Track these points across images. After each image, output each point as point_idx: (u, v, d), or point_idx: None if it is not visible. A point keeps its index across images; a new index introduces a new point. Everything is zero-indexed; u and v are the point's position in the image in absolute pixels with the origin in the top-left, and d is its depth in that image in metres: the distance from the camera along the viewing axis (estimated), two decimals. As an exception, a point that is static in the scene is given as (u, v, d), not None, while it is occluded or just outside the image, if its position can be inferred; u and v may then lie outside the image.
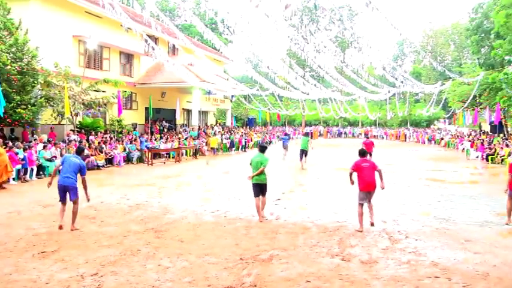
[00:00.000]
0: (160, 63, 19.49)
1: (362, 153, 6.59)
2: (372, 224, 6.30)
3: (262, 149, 6.99)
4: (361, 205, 6.30)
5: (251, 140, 24.96)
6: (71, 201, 6.06)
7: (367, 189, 6.26)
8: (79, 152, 6.41)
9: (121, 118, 17.39)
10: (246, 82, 35.25)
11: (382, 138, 39.18)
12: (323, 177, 12.25)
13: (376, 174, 6.33)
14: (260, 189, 6.82)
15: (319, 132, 42.19)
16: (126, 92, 17.25)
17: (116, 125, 17.38)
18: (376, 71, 47.08)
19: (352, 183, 6.45)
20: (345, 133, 42.27)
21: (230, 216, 7.08)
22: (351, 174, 6.42)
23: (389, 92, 27.47)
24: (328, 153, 20.15)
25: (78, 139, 13.83)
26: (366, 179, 6.25)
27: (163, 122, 22.76)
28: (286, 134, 21.46)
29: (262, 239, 5.72)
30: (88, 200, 6.16)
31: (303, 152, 14.36)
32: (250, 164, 6.83)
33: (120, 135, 17.08)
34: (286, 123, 49.29)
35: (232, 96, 29.45)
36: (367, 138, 17.13)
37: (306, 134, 16.07)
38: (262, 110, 36.07)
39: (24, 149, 10.94)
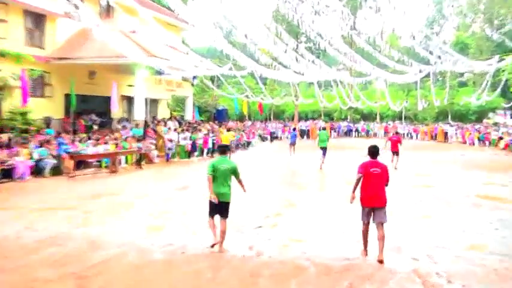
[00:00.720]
0: (88, 29, 19.09)
1: (373, 152, 6.84)
2: (381, 262, 6.46)
3: (224, 150, 7.41)
4: (367, 224, 6.72)
5: (221, 141, 24.80)
6: None
7: (370, 204, 6.64)
8: None
9: (26, 109, 17.02)
10: (213, 57, 35.10)
11: (411, 137, 39.89)
12: (324, 193, 12.32)
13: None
14: (220, 208, 7.02)
15: (319, 129, 42.40)
16: (35, 71, 16.93)
17: (19, 120, 17.06)
18: (402, 42, 47.73)
19: (354, 198, 6.83)
20: (357, 131, 42.88)
21: (190, 252, 7.01)
22: (357, 182, 6.74)
23: (420, 71, 27.79)
24: (331, 160, 20.26)
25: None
26: (371, 190, 6.61)
27: (93, 115, 22.45)
28: (294, 129, 24.58)
29: (237, 285, 5.68)
30: None
31: (322, 149, 17.18)
32: (213, 172, 7.03)
33: (26, 134, 16.72)
34: (272, 116, 49.58)
35: (194, 77, 29.23)
36: (396, 133, 20.41)
37: (323, 129, 19.94)
38: (238, 98, 36.06)
39: None
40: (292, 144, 21.92)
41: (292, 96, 40.16)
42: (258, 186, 13.10)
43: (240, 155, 22.66)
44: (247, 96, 36.25)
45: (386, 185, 6.77)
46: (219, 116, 36.83)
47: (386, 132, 40.41)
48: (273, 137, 36.27)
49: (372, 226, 6.76)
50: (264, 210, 9.93)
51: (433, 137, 37.40)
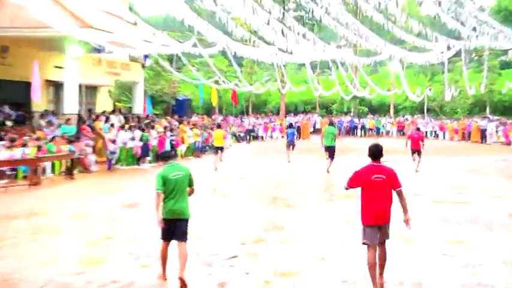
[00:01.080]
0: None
1: (375, 152, 6.89)
2: (382, 286, 6.64)
3: (169, 156, 7.74)
4: (373, 249, 6.70)
5: (182, 142, 24.71)
6: None
7: (375, 221, 6.66)
8: None
9: None
10: (171, 30, 34.94)
11: (436, 136, 40.31)
12: (320, 211, 12.36)
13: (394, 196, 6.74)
14: (178, 229, 7.09)
15: (313, 125, 42.73)
16: None
17: None
18: (423, 9, 48.07)
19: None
20: (363, 128, 43.14)
21: (139, 292, 6.94)
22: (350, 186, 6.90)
23: (449, 48, 27.96)
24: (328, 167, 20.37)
25: None
26: (376, 203, 6.63)
27: (5, 107, 22.19)
28: (290, 125, 25.57)
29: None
30: None
31: (329, 150, 18.55)
32: (163, 185, 7.13)
33: None
34: (250, 109, 49.54)
35: (146, 57, 29.07)
36: (417, 129, 21.77)
37: (331, 123, 21.33)
38: (204, 85, 35.95)
39: None
40: (291, 144, 22.86)
41: (277, 82, 40.23)
42: (233, 203, 13.07)
43: (208, 160, 22.60)
44: (216, 82, 36.16)
45: (400, 192, 6.75)
46: (180, 109, 36.70)
47: (399, 129, 40.70)
48: (252, 136, 36.29)
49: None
50: (240, 234, 9.89)
51: (466, 137, 37.59)
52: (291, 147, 22.90)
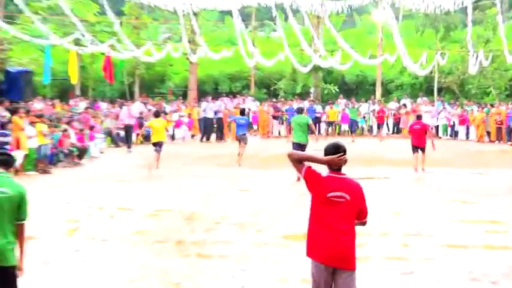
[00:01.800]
0: None
1: (335, 161, 7.01)
2: None
3: (6, 161, 7.81)
4: None
5: (18, 148, 24.40)
6: None
7: (328, 261, 6.83)
8: None
9: None
10: None
11: (454, 134, 41.70)
12: (256, 265, 12.40)
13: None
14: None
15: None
16: None
17: None
18: None
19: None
20: (329, 123, 43.59)
21: None
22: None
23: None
24: (269, 187, 20.62)
25: None
26: (329, 235, 6.79)
27: None
28: (242, 112, 27.52)
29: None
30: None
31: (300, 149, 19.71)
32: None
33: None
34: (137, 89, 49.40)
35: None
36: (419, 117, 23.78)
37: (300, 111, 23.36)
38: (56, 47, 35.72)
39: None
40: (241, 139, 24.40)
41: (182, 43, 40.32)
42: (107, 251, 13.03)
43: (64, 177, 22.45)
44: (77, 44, 36.01)
45: (363, 224, 7.06)
46: (12, 89, 36.15)
47: (381, 123, 41.27)
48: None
49: None
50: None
51: (504, 135, 38.28)
52: (243, 142, 24.22)
